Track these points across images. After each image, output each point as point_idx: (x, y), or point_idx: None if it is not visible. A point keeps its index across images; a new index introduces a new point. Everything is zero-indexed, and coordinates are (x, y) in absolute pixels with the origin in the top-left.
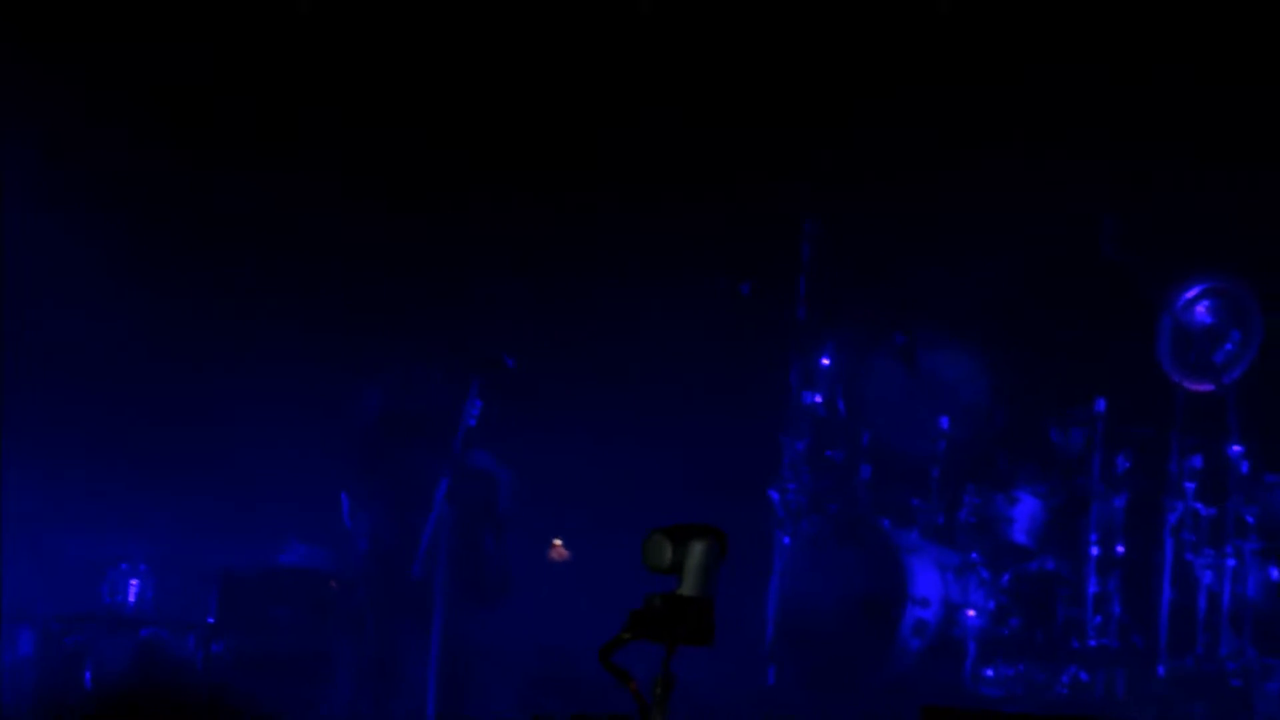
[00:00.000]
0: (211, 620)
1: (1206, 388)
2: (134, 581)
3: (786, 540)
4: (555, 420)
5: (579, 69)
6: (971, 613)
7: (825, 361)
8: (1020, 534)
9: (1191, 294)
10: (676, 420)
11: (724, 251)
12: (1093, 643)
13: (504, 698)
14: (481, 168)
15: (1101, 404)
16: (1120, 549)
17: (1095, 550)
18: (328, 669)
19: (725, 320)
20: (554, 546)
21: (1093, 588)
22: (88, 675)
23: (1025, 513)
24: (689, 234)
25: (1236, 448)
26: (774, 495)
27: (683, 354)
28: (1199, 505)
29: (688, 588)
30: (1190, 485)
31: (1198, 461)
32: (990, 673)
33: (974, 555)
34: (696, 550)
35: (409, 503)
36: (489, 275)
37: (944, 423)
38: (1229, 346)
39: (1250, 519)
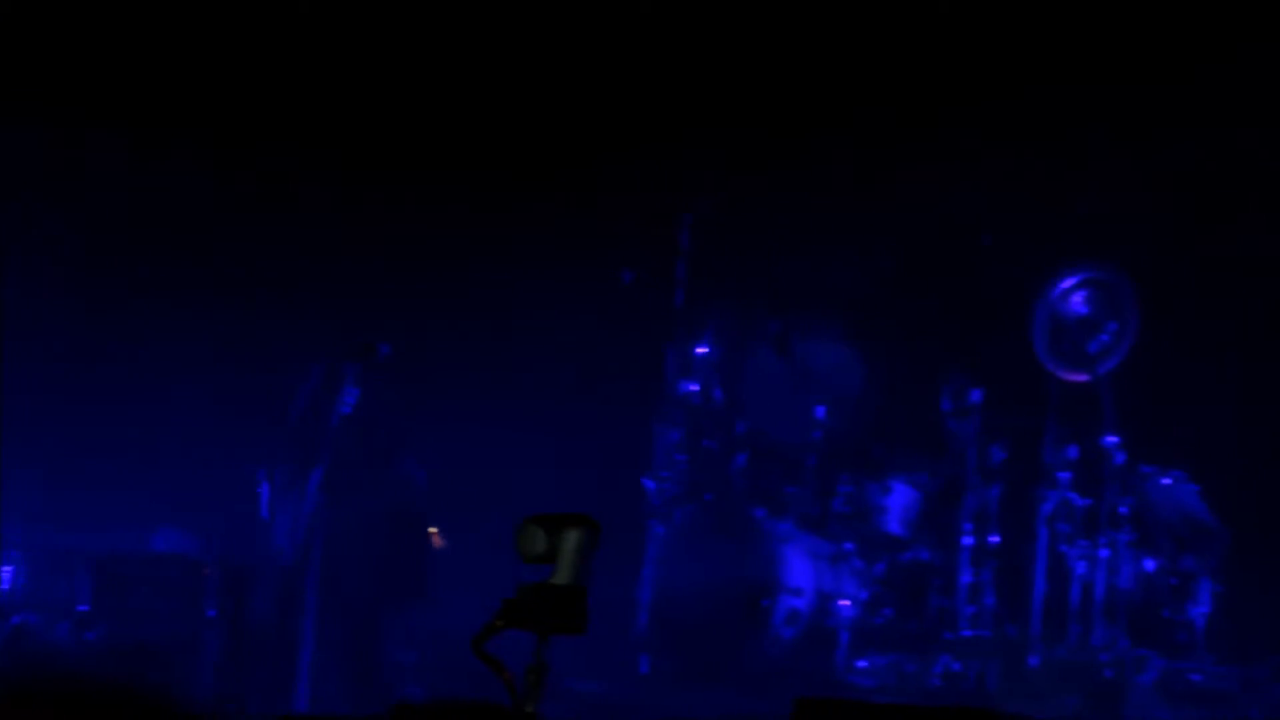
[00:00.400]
0: (84, 608)
1: (1082, 378)
2: (6, 569)
3: (660, 529)
4: (431, 408)
5: (453, 55)
6: (845, 602)
7: (701, 350)
8: (894, 524)
9: (1067, 284)
10: (552, 408)
11: (602, 239)
12: (966, 633)
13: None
14: (363, 157)
15: (977, 394)
16: (994, 539)
17: (969, 540)
18: (200, 657)
19: (602, 308)
20: (430, 534)
21: (966, 578)
22: None
23: (899, 502)
24: (568, 221)
25: (1111, 438)
26: (649, 484)
27: (559, 342)
28: (1073, 496)
29: (561, 576)
30: (1065, 476)
31: (1072, 452)
32: (863, 663)
33: (848, 545)
34: (570, 539)
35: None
36: (365, 264)
37: (819, 412)
38: (1104, 337)
39: (1124, 510)
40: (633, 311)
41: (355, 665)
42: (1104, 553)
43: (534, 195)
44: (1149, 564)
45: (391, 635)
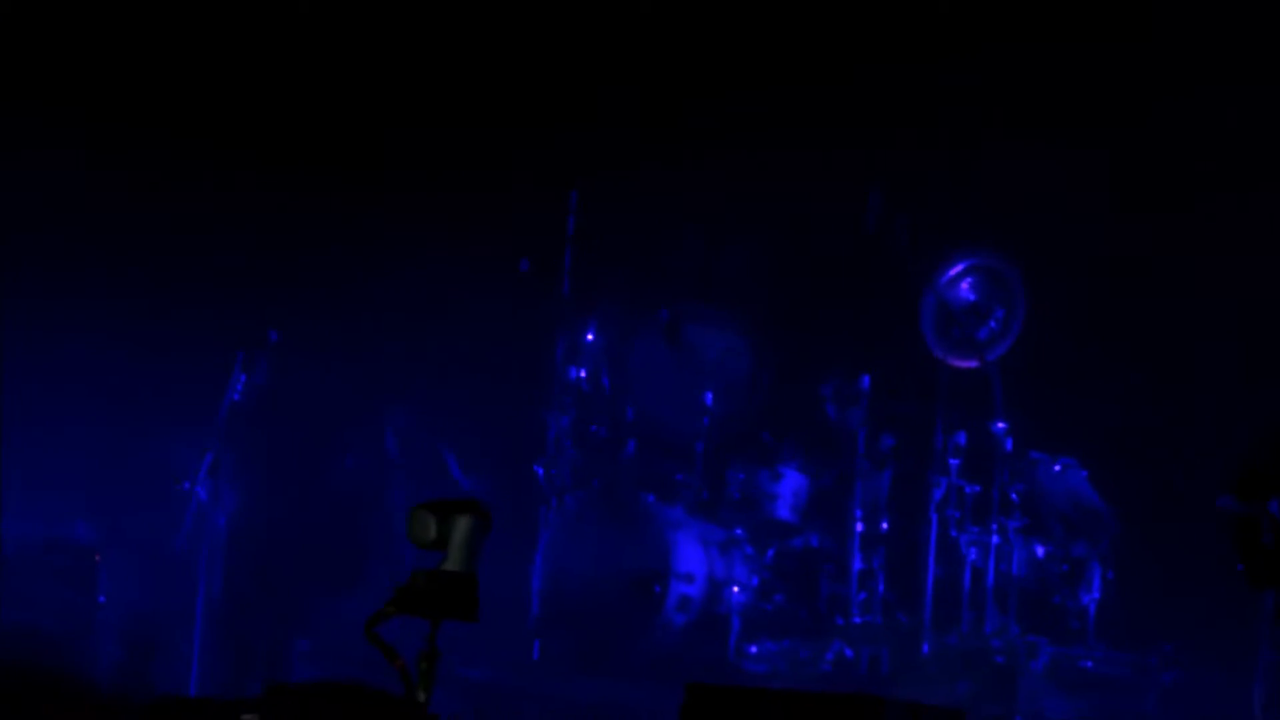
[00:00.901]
0: None
1: (970, 364)
2: None
3: (551, 516)
4: (321, 394)
5: (336, 45)
6: (736, 589)
7: (590, 337)
8: (785, 510)
9: (955, 271)
10: (443, 394)
11: (492, 226)
12: (857, 619)
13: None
14: (259, 148)
15: (866, 380)
16: (885, 525)
17: (860, 527)
18: (92, 643)
19: (492, 295)
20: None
21: (857, 564)
22: None
23: (789, 489)
24: (457, 208)
25: (1001, 425)
26: (539, 470)
27: (451, 329)
28: (963, 482)
29: (452, 563)
30: (955, 462)
31: (962, 438)
32: (755, 649)
33: (738, 531)
34: (460, 525)
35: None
36: (261, 252)
37: (708, 398)
38: (992, 324)
39: (1015, 496)
40: (522, 298)
41: (244, 650)
42: (995, 539)
43: (423, 182)
44: (1040, 550)
45: (293, 621)
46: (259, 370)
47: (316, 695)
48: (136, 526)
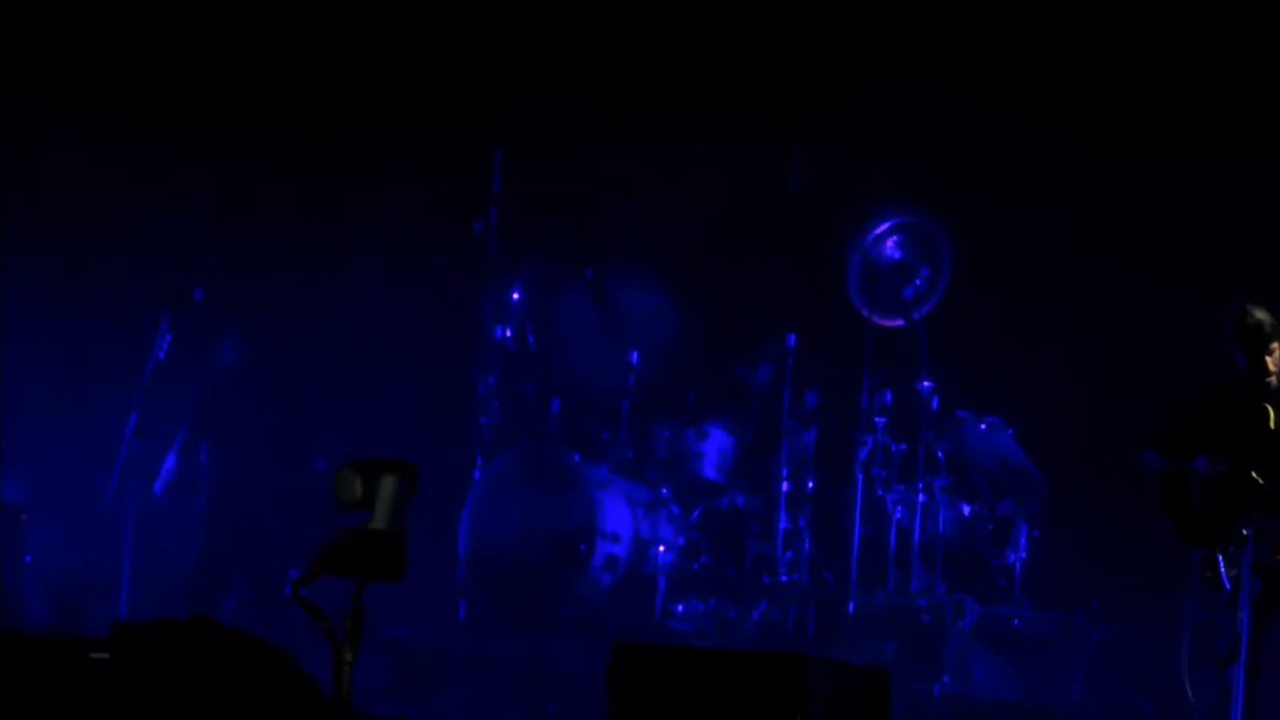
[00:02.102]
0: None
1: (896, 323)
2: None
3: (477, 474)
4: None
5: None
6: (662, 548)
7: (515, 295)
8: (710, 469)
9: (881, 229)
10: (371, 353)
11: (419, 183)
12: (783, 578)
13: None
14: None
15: (791, 338)
16: (811, 485)
17: (786, 486)
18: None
19: (419, 253)
20: None
21: (783, 523)
22: None
23: (715, 448)
24: (384, 166)
25: (926, 383)
26: (467, 428)
27: (378, 289)
28: (889, 440)
29: (378, 522)
30: (880, 420)
31: (888, 397)
32: (681, 608)
33: (664, 490)
34: (386, 484)
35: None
36: (187, 211)
37: (633, 357)
38: (918, 282)
39: (940, 455)
40: (447, 256)
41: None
42: (921, 498)
43: (349, 139)
44: (966, 509)
45: (220, 582)
46: (183, 329)
47: (162, 631)
48: (62, 487)
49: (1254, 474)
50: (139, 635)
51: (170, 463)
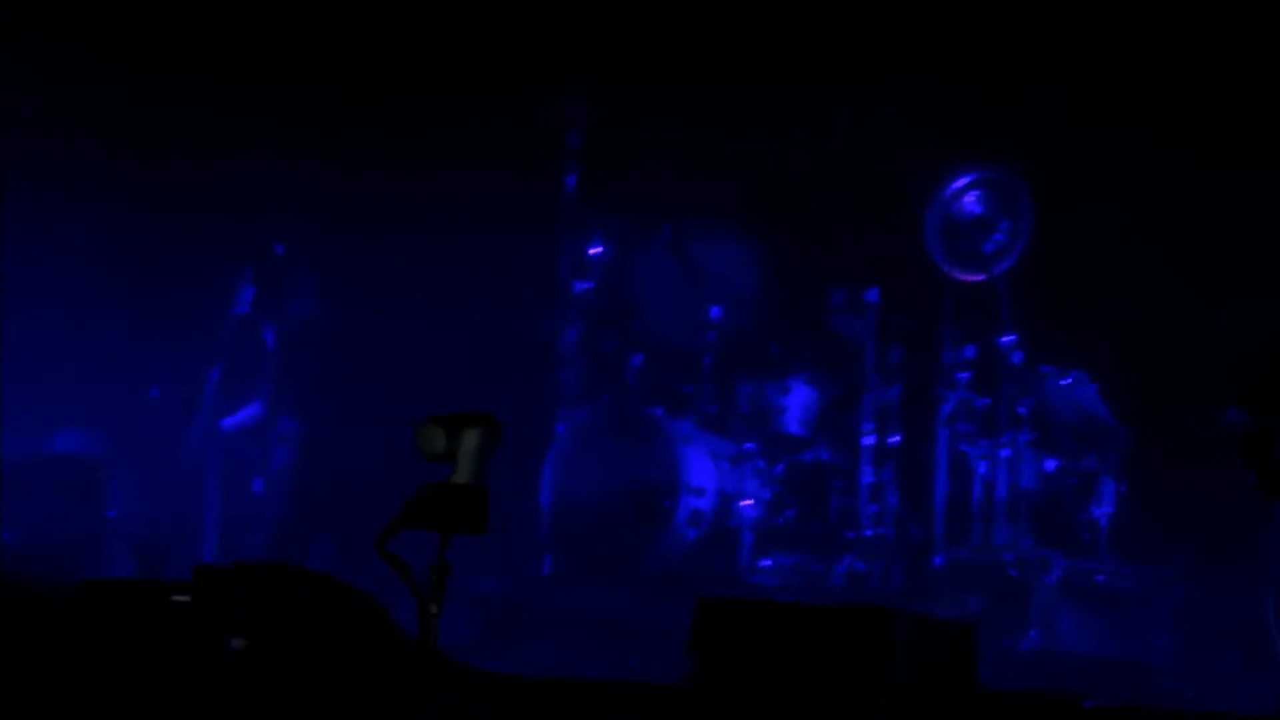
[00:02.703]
0: None
1: (977, 278)
2: None
3: (560, 429)
4: (327, 312)
5: None
6: (747, 502)
7: (595, 250)
8: (794, 424)
9: (960, 184)
10: (450, 308)
11: (498, 140)
12: (868, 533)
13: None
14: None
15: (874, 293)
16: (894, 439)
17: (870, 440)
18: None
19: (499, 210)
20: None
21: (867, 478)
22: None
23: (798, 402)
24: (463, 123)
25: (1008, 338)
26: (548, 384)
27: (457, 245)
28: (972, 395)
29: (461, 475)
30: (963, 376)
31: (970, 352)
32: (766, 562)
33: (748, 445)
34: (469, 438)
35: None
36: (268, 165)
37: (715, 312)
38: (999, 236)
39: (1023, 410)
40: (526, 211)
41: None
42: (1005, 452)
43: (431, 94)
44: (1050, 464)
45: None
46: (265, 283)
47: (244, 574)
48: (143, 441)
49: None
50: (221, 577)
51: (249, 411)
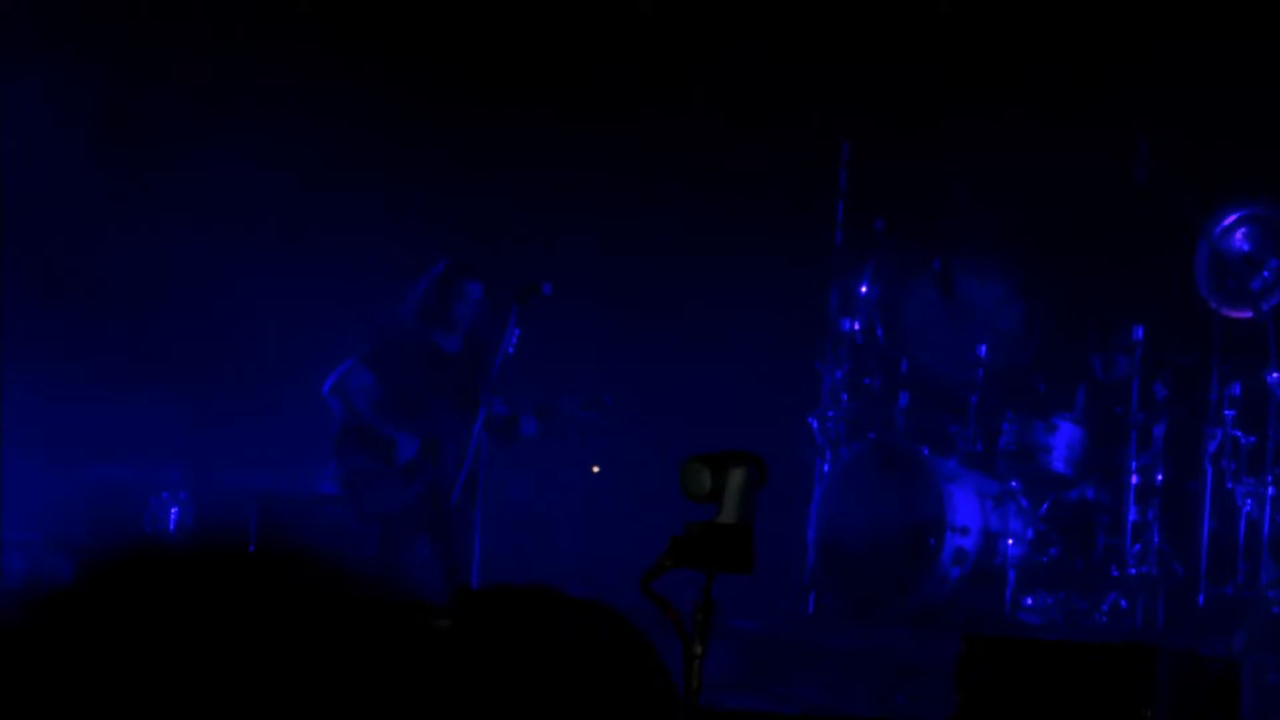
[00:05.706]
0: (251, 548)
1: (1245, 314)
2: (174, 510)
3: (825, 468)
4: (592, 349)
5: None
6: (1011, 541)
7: (863, 288)
8: (1059, 462)
9: (1229, 221)
10: (715, 348)
11: (763, 178)
12: (1132, 571)
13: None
14: (531, 96)
15: (1139, 331)
16: (1160, 477)
17: (1135, 479)
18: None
19: (764, 249)
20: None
21: (1132, 516)
22: None
23: (1064, 440)
24: (729, 159)
25: (1275, 375)
26: (813, 422)
27: (722, 282)
28: (1238, 433)
29: (726, 515)
30: (1230, 413)
31: (1236, 389)
32: (1030, 601)
33: (1013, 483)
34: (735, 477)
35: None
36: (527, 200)
37: (981, 350)
38: (1266, 274)
39: None
40: (794, 250)
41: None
42: (1270, 490)
43: (695, 132)
44: None
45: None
46: (532, 322)
47: (509, 599)
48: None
49: None
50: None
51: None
